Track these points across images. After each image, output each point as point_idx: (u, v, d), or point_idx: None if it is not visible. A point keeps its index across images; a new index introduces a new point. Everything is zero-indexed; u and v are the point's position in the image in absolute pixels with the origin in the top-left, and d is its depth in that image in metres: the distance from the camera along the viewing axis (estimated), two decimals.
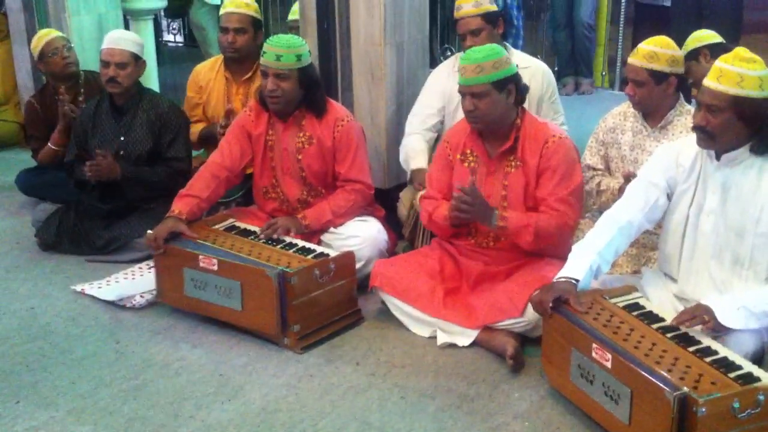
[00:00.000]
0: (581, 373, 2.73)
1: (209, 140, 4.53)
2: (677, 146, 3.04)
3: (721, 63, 2.78)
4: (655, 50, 3.36)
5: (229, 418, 2.87)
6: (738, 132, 2.78)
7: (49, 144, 4.72)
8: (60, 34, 4.83)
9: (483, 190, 3.34)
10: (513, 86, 3.31)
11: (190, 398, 3.00)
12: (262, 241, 3.60)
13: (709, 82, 2.78)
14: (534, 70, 4.05)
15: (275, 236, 3.60)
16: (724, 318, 2.70)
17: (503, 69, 3.27)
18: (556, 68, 7.25)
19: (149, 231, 3.57)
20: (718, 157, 2.87)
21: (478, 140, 3.44)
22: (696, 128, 2.83)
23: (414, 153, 4.06)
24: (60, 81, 4.76)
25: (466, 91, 3.29)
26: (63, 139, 4.66)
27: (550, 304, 2.85)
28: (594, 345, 2.65)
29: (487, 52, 3.27)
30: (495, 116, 3.31)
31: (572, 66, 7.72)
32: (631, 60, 3.41)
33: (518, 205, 3.36)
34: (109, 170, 4.14)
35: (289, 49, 3.60)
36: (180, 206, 3.66)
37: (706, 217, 2.91)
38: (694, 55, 3.88)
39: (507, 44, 3.99)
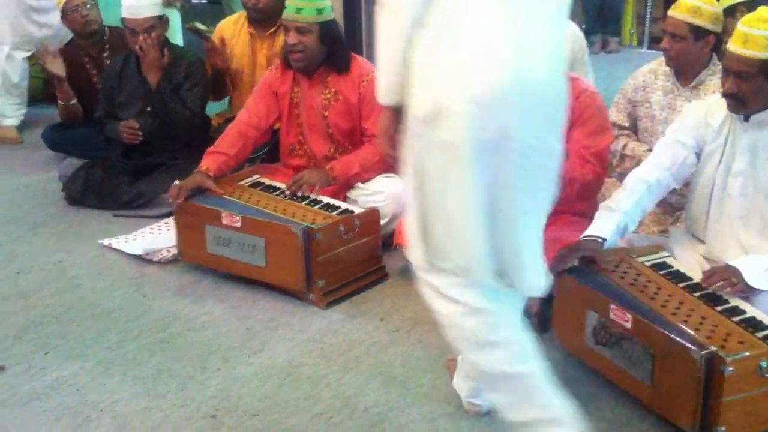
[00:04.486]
0: (597, 335, 2.70)
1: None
2: (706, 105, 2.98)
3: (744, 27, 2.68)
4: (699, 5, 3.28)
5: (254, 372, 2.90)
6: None
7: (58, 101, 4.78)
8: None
9: None
10: None
11: (216, 351, 3.03)
12: (287, 197, 3.60)
13: (735, 47, 2.69)
14: (567, 33, 3.98)
15: (300, 193, 3.60)
16: (752, 279, 2.66)
17: None
18: (583, 26, 7.15)
19: (176, 182, 3.59)
20: (746, 119, 2.82)
21: None
22: (726, 96, 2.77)
23: None
24: (82, 38, 4.79)
25: None
26: (65, 93, 4.71)
27: (570, 264, 2.81)
28: (612, 306, 2.61)
29: None
30: None
31: (600, 24, 7.61)
32: (671, 12, 3.33)
33: None
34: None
35: (309, 2, 3.57)
36: (208, 163, 3.67)
37: (734, 179, 2.86)
38: (729, 12, 3.78)
39: None
